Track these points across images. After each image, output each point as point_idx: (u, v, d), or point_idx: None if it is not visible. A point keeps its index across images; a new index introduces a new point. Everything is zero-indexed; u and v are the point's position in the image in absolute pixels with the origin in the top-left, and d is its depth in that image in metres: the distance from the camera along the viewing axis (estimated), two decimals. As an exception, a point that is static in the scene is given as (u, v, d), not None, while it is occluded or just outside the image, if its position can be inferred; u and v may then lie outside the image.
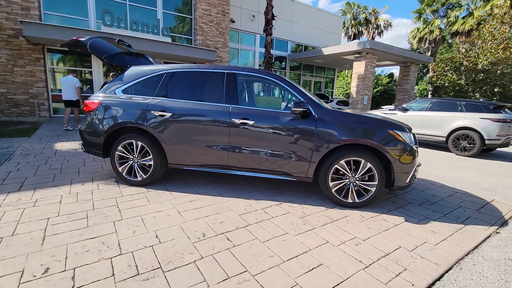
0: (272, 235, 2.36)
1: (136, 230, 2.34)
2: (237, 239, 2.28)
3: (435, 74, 15.54)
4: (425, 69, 29.45)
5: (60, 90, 10.26)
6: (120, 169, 3.36)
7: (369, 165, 2.87)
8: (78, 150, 5.11)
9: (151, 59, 4.14)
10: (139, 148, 3.28)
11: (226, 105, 3.12)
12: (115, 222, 2.48)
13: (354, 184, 2.96)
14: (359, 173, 2.92)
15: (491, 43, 13.23)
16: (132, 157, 3.34)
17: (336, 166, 2.94)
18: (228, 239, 2.27)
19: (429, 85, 20.54)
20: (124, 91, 3.37)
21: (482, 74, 13.37)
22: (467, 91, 14.03)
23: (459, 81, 14.30)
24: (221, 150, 3.13)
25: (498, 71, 12.80)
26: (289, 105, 3.11)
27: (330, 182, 2.99)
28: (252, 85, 3.92)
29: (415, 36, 23.33)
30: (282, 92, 3.36)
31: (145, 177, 3.32)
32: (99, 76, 10.77)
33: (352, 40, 29.49)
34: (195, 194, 3.22)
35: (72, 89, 7.46)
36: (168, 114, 3.15)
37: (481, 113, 6.80)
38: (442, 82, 14.91)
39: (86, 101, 3.42)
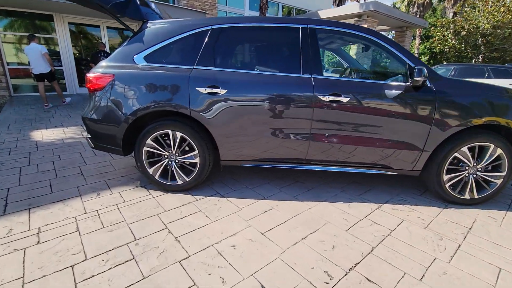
0: (422, 265, 1.64)
1: (224, 277, 1.51)
2: (381, 278, 1.54)
3: (436, 39, 15.10)
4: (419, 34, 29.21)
5: (19, 64, 8.44)
6: (150, 170, 2.40)
7: (499, 151, 2.19)
8: (67, 140, 3.94)
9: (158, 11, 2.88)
10: (178, 140, 2.31)
11: (306, 75, 2.20)
12: (182, 262, 1.62)
13: (474, 176, 2.29)
14: (484, 162, 2.24)
15: (492, 5, 12.83)
16: (167, 153, 2.37)
17: (456, 154, 2.22)
18: (369, 280, 1.53)
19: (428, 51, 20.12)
20: (147, 59, 2.28)
21: (483, 39, 13.14)
22: (467, 56, 13.84)
23: (459, 46, 14.02)
24: (299, 139, 2.26)
25: (501, 35, 12.61)
26: (399, 74, 2.26)
27: (444, 175, 2.29)
28: (337, 46, 2.96)
29: (404, 0, 22.58)
30: (379, 55, 2.48)
31: (187, 179, 2.40)
32: (67, 46, 8.89)
33: (338, 5, 28.06)
34: (261, 199, 2.38)
35: (40, 58, 6.01)
36: (221, 91, 2.17)
37: (510, 79, 6.41)
38: (443, 48, 14.57)
39: (90, 76, 2.30)
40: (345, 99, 2.13)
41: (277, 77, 2.21)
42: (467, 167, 2.27)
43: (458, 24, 14.29)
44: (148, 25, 2.34)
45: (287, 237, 1.87)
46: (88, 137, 2.45)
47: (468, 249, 1.81)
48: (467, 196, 2.32)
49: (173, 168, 2.40)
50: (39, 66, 6.08)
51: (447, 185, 2.31)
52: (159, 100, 2.20)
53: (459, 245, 1.84)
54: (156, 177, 2.42)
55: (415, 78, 2.00)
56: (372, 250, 1.76)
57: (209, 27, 2.26)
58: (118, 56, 2.33)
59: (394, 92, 2.14)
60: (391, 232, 1.96)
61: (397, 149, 2.24)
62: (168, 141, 2.37)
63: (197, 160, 2.35)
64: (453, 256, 1.73)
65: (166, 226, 1.95)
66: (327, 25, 2.24)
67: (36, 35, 6.44)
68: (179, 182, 2.41)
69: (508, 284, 1.53)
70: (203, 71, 2.21)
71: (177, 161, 2.40)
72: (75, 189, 2.47)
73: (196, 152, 2.32)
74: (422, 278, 1.54)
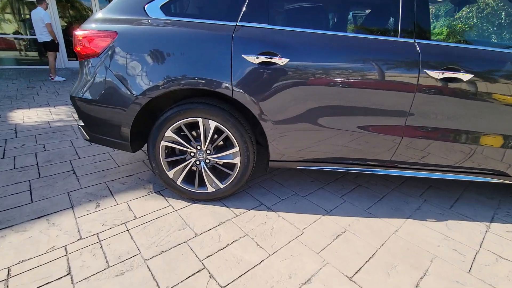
0: None
1: None
2: None
3: None
4: None
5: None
6: (170, 173, 1.71)
7: None
8: (55, 124, 3.18)
9: None
10: (211, 132, 1.61)
11: (406, 40, 1.47)
12: None
13: None
14: None
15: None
16: (194, 150, 1.68)
17: None
18: None
19: None
20: (165, 9, 1.51)
21: None
22: None
23: None
24: (388, 133, 1.58)
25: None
26: None
27: None
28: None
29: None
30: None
31: (222, 186, 1.73)
32: (54, 16, 7.75)
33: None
34: (323, 213, 1.74)
35: (40, 26, 5.50)
36: (281, 61, 1.43)
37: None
38: None
39: (79, 34, 1.53)
40: (466, 77, 1.42)
41: (362, 41, 1.47)
42: None
43: None
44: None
45: (389, 285, 1.24)
46: (81, 126, 1.72)
47: None
48: None
49: (203, 171, 1.71)
50: (40, 33, 5.58)
51: None
52: (186, 73, 1.47)
53: None
54: (178, 182, 1.73)
55: None
56: (528, 312, 1.15)
57: (264, -41, 1.48)
58: (121, 5, 1.55)
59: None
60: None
61: (526, 149, 1.57)
62: (195, 133, 1.67)
63: (237, 160, 1.66)
64: None
65: (203, 265, 1.30)
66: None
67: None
68: (210, 189, 1.74)
69: None
70: (253, 31, 1.46)
71: (207, 160, 1.70)
72: (65, 196, 1.78)
73: (237, 149, 1.62)
74: None
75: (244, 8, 1.48)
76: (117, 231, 1.49)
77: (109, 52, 1.50)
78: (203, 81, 1.46)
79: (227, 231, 1.53)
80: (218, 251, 1.39)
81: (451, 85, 1.44)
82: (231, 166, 1.71)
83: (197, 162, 1.71)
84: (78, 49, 1.57)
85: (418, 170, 1.71)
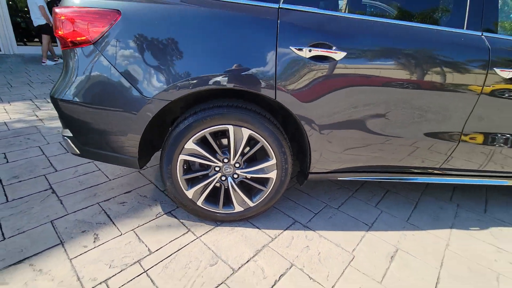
0: None
1: None
2: None
3: None
4: None
5: None
6: (190, 193, 1.38)
7: None
8: (15, 125, 2.59)
9: None
10: (243, 142, 1.30)
11: (475, 32, 1.28)
12: None
13: None
14: None
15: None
16: (220, 163, 1.36)
17: None
18: None
19: None
20: (185, -18, 1.15)
21: None
22: None
23: None
24: (443, 138, 1.41)
25: None
26: None
27: None
28: None
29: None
30: None
31: (252, 204, 1.45)
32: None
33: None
34: (365, 229, 1.54)
35: (35, 8, 5.41)
36: (337, 55, 1.16)
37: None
38: None
39: (63, 12, 1.11)
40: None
41: (428, 35, 1.25)
42: None
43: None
44: None
45: (472, 318, 1.09)
46: (68, 137, 1.30)
47: None
48: None
49: (230, 188, 1.41)
50: (36, 17, 5.48)
51: None
52: (216, 70, 1.13)
53: None
54: (199, 203, 1.42)
55: None
56: None
57: None
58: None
59: None
60: None
61: None
62: (222, 144, 1.36)
63: (273, 174, 1.38)
64: None
65: (257, 316, 1.03)
66: None
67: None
68: (238, 208, 1.45)
69: None
70: (303, 16, 1.17)
71: (236, 175, 1.40)
72: (48, 227, 1.37)
73: (274, 161, 1.35)
74: None
75: (284, -12, 1.17)
76: (132, 274, 1.15)
77: (109, 39, 1.11)
78: (239, 80, 1.15)
79: (269, 263, 1.27)
80: (263, 292, 1.13)
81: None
82: (264, 181, 1.43)
83: (223, 178, 1.41)
84: (61, 33, 1.14)
85: (466, 177, 1.59)
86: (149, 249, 1.29)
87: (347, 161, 1.43)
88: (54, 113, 3.01)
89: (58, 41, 1.22)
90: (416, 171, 1.55)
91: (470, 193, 2.02)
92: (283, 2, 1.17)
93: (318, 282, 1.19)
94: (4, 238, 1.29)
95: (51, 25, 5.63)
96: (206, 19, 1.12)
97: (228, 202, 1.45)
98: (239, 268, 1.23)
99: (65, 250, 1.25)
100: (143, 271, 1.18)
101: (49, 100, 3.44)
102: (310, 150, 1.36)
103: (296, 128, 1.40)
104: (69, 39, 1.13)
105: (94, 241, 1.31)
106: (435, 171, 1.55)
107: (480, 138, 1.42)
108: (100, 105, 1.18)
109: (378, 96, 1.25)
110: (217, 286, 1.14)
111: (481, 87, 1.28)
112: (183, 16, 1.11)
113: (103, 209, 1.54)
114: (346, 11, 1.23)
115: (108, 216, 1.49)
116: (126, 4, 1.10)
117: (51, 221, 1.42)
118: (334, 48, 1.16)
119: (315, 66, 1.17)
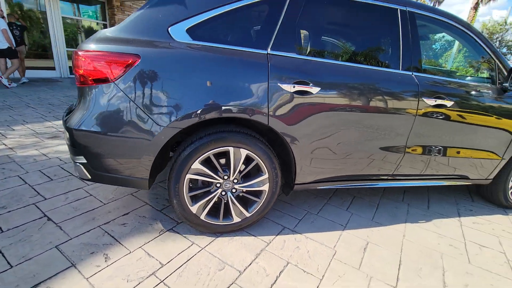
0: None
1: None
2: None
3: None
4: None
5: None
6: (194, 209, 1.56)
7: None
8: (5, 151, 2.46)
9: None
10: (242, 161, 1.55)
11: (406, 72, 1.74)
12: None
13: (533, 181, 2.32)
14: None
15: None
16: (221, 180, 1.57)
17: (527, 161, 2.19)
18: None
19: None
20: (192, 33, 1.40)
21: None
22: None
23: None
24: (394, 151, 1.82)
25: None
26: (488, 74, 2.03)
27: (510, 183, 2.24)
28: (426, 38, 2.49)
29: None
30: (464, 49, 2.19)
31: (248, 215, 1.67)
32: None
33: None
34: (341, 229, 1.85)
35: None
36: (314, 90, 1.51)
37: None
38: None
39: (88, 54, 1.27)
40: (449, 103, 1.78)
41: (379, 74, 1.68)
42: (527, 173, 2.26)
43: None
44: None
45: (425, 287, 1.43)
46: (82, 163, 1.41)
47: None
48: (522, 201, 2.33)
49: (229, 201, 1.62)
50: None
51: (510, 192, 2.27)
52: (221, 101, 1.39)
53: None
54: (202, 217, 1.60)
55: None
56: (519, 287, 1.49)
57: (287, -6, 1.54)
58: (140, 25, 1.37)
59: (487, 94, 1.92)
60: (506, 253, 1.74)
61: (483, 158, 2.04)
62: (224, 163, 1.58)
63: (265, 187, 1.63)
64: None
65: (267, 305, 1.24)
66: (426, 10, 1.81)
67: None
68: (236, 219, 1.66)
69: None
70: (287, 60, 1.50)
71: (234, 190, 1.63)
72: (55, 252, 1.42)
73: (266, 176, 1.61)
74: None
75: (274, 38, 1.50)
76: (150, 285, 1.28)
77: (130, 78, 1.30)
78: (240, 109, 1.41)
79: (269, 263, 1.49)
80: (272, 285, 1.34)
81: (439, 110, 1.77)
82: (258, 193, 1.67)
83: (223, 193, 1.61)
84: (81, 71, 1.31)
85: (412, 180, 2.02)
86: (160, 262, 1.42)
87: (324, 173, 1.75)
88: (24, 141, 2.90)
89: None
90: (375, 178, 1.93)
91: (417, 194, 2.49)
92: (270, 49, 1.49)
93: (311, 274, 1.44)
94: (12, 266, 1.31)
95: (13, 48, 5.60)
96: (213, 62, 1.38)
97: (227, 214, 1.65)
98: (244, 269, 1.43)
99: (79, 271, 1.32)
100: (160, 281, 1.31)
101: (14, 128, 3.29)
102: (295, 165, 1.65)
103: (281, 147, 1.69)
104: (93, 77, 1.29)
105: (105, 260, 1.40)
106: (389, 178, 1.96)
107: (419, 150, 1.87)
108: (118, 133, 1.33)
109: (344, 119, 1.61)
110: (229, 286, 1.31)
111: (416, 111, 1.73)
112: (194, 60, 1.36)
113: (105, 231, 1.62)
114: (318, 56, 1.60)
115: (113, 237, 1.57)
116: (145, 49, 1.32)
117: (55, 246, 1.46)
118: (311, 84, 1.50)
119: (297, 98, 1.49)
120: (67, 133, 1.38)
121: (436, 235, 1.90)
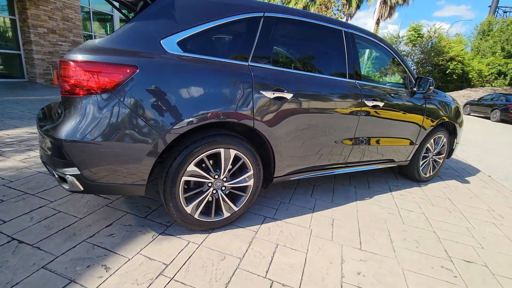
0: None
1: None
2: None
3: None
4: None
5: None
6: (189, 209, 1.66)
7: (445, 140, 3.09)
8: None
9: None
10: (231, 160, 1.72)
11: (352, 80, 2.19)
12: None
13: (432, 158, 3.11)
14: (439, 148, 3.08)
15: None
16: (212, 179, 1.71)
17: (428, 145, 2.93)
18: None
19: None
20: (182, 45, 1.51)
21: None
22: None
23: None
24: (347, 144, 2.25)
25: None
26: (402, 81, 2.65)
27: (420, 162, 2.98)
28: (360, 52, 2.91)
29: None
30: (386, 64, 2.77)
31: (236, 209, 1.85)
32: None
33: None
34: (310, 212, 2.20)
35: None
36: (288, 96, 1.79)
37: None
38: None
39: (79, 64, 1.25)
40: (381, 104, 2.31)
41: (333, 81, 2.07)
42: (430, 152, 3.04)
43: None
44: (179, -6, 1.55)
45: (380, 244, 1.87)
46: (75, 175, 1.35)
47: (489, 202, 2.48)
48: (428, 174, 3.12)
49: (220, 198, 1.77)
50: None
51: (421, 168, 3.01)
52: (213, 108, 1.54)
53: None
54: (196, 216, 1.71)
55: (429, 87, 2.46)
56: (437, 233, 2.07)
57: (261, 13, 1.78)
58: (133, 36, 1.42)
59: (403, 96, 2.54)
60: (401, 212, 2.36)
61: (403, 145, 2.68)
62: (215, 164, 1.72)
63: (251, 182, 1.85)
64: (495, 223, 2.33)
65: (271, 280, 1.45)
66: (362, 32, 2.31)
67: None
68: (226, 214, 1.82)
69: None
70: (265, 70, 1.74)
71: (224, 187, 1.78)
72: (45, 273, 1.33)
73: (251, 172, 1.82)
74: (479, 245, 2.00)
75: (252, 51, 1.73)
76: (162, 284, 1.35)
77: (128, 87, 1.34)
78: (233, 115, 1.60)
79: (262, 247, 1.71)
80: (270, 264, 1.56)
81: (376, 110, 2.28)
82: (244, 189, 1.87)
83: (214, 191, 1.76)
84: (73, 81, 1.29)
85: (357, 166, 2.51)
86: (163, 263, 1.49)
87: (296, 165, 2.06)
88: None
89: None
90: (333, 167, 2.34)
91: (359, 178, 3.06)
92: (250, 61, 1.71)
93: (298, 250, 1.72)
94: (-1, 294, 1.20)
95: None
96: (205, 73, 1.52)
97: (217, 210, 1.80)
98: (243, 256, 1.61)
99: (81, 285, 1.29)
100: (170, 278, 1.39)
101: None
102: (274, 160, 1.91)
103: (260, 145, 1.92)
104: (87, 87, 1.28)
105: (106, 271, 1.39)
106: (342, 166, 2.40)
107: (363, 141, 2.36)
108: (119, 141, 1.35)
109: (310, 119, 1.94)
110: (235, 270, 1.48)
111: (359, 111, 2.19)
112: (188, 71, 1.48)
113: (94, 244, 1.57)
114: (288, 67, 1.89)
115: (105, 248, 1.55)
116: (141, 60, 1.38)
117: (42, 267, 1.37)
118: (285, 91, 1.78)
119: (276, 103, 1.75)
120: (54, 144, 1.33)
121: (378, 207, 2.42)
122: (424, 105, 2.69)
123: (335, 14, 18.42)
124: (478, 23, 31.35)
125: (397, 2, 20.41)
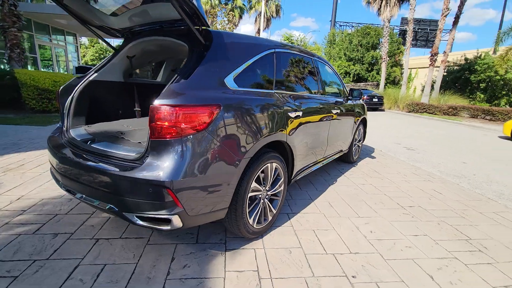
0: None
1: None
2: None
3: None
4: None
5: None
6: (251, 221, 1.91)
7: (362, 130, 4.33)
8: None
9: None
10: (273, 172, 2.07)
11: (323, 96, 2.89)
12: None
13: (357, 145, 4.29)
14: (360, 136, 4.29)
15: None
16: (262, 190, 2.01)
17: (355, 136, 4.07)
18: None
19: None
20: (237, 81, 1.74)
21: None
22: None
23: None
24: (326, 144, 2.96)
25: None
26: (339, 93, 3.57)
27: (353, 148, 4.08)
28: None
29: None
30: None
31: (275, 211, 2.21)
32: None
33: None
34: (314, 199, 2.78)
35: None
36: (299, 113, 2.28)
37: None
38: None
39: (172, 109, 1.31)
40: (338, 111, 3.14)
41: (316, 97, 2.71)
42: (358, 140, 4.20)
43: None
44: (221, 38, 1.75)
45: (364, 212, 2.65)
46: (178, 213, 1.37)
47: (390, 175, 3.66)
48: (356, 157, 4.29)
49: (267, 206, 2.09)
50: None
51: (353, 153, 4.13)
52: (270, 130, 1.88)
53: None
54: (255, 225, 1.97)
55: (368, 95, 3.46)
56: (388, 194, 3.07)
57: (273, 50, 2.18)
58: (203, 79, 1.55)
59: (344, 102, 3.49)
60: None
61: (347, 138, 3.65)
62: (265, 177, 2.02)
63: (282, 187, 2.24)
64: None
65: (332, 254, 1.93)
66: (320, 58, 3.03)
67: None
68: (269, 218, 2.15)
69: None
70: (288, 96, 2.18)
71: (267, 196, 2.10)
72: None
73: (283, 179, 2.22)
74: (409, 195, 3.12)
75: (274, 80, 2.13)
76: (269, 283, 1.60)
77: (217, 123, 1.50)
78: (277, 134, 1.96)
79: (306, 235, 2.15)
80: (321, 244, 2.03)
81: (336, 116, 3.09)
82: (278, 193, 2.24)
83: (262, 200, 2.05)
84: (166, 124, 1.35)
85: (325, 160, 3.27)
86: (253, 270, 1.71)
87: (302, 165, 2.58)
88: None
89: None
90: (318, 161, 3.00)
91: (320, 170, 3.87)
92: (274, 88, 2.11)
93: (328, 229, 2.26)
94: None
95: None
96: (261, 103, 1.83)
97: (265, 217, 2.10)
98: (301, 245, 2.01)
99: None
100: (268, 278, 1.65)
101: None
102: (293, 165, 2.36)
103: (281, 154, 2.32)
104: (183, 129, 1.38)
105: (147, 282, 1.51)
106: (323, 159, 3.09)
107: (332, 139, 3.12)
108: (214, 172, 1.49)
109: (310, 127, 2.52)
110: (306, 256, 1.87)
111: (331, 117, 2.93)
112: (247, 102, 1.75)
113: (180, 279, 1.60)
114: (295, 91, 2.39)
115: (194, 278, 1.61)
116: (222, 97, 1.55)
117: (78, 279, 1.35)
118: (297, 110, 2.27)
119: (296, 120, 2.22)
120: (155, 187, 1.34)
121: (345, 187, 3.27)
122: (352, 105, 3.75)
123: (221, 23, 19.64)
124: (324, 33, 39.50)
125: (272, 15, 23.79)
